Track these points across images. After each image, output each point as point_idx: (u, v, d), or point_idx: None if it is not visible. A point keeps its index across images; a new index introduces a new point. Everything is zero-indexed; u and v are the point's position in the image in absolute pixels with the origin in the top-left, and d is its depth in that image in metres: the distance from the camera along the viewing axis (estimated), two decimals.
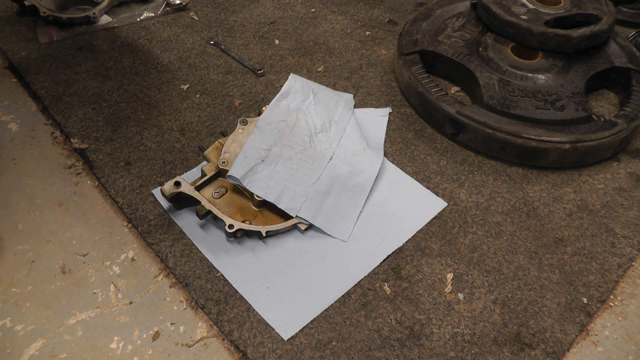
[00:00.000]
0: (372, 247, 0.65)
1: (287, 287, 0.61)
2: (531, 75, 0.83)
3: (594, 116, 0.78)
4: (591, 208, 0.72)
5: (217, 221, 0.65)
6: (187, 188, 0.64)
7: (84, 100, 0.82)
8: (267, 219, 0.65)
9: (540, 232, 0.69)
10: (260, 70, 0.91)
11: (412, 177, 0.74)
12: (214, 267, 0.62)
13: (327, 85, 0.87)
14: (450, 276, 0.63)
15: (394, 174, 0.75)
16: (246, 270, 0.62)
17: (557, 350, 0.57)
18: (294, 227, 0.65)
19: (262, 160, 0.66)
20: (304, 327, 0.57)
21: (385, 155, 0.77)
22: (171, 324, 0.58)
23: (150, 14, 1.03)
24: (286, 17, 1.06)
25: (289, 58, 0.95)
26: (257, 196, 0.64)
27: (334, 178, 0.69)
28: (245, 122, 0.71)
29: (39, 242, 0.64)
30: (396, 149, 0.79)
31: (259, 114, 0.75)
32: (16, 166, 0.73)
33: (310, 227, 0.66)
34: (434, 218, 0.69)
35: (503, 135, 0.74)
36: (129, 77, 0.88)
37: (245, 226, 0.63)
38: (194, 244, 0.64)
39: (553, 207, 0.72)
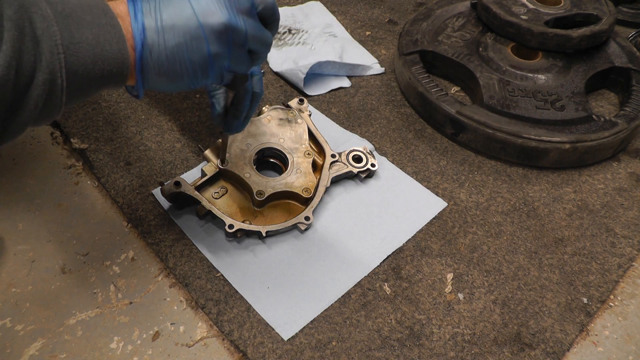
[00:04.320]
0: (372, 247, 0.65)
1: (287, 287, 0.61)
2: (531, 75, 0.83)
3: (594, 116, 0.78)
4: (591, 208, 0.72)
5: (217, 221, 0.65)
6: (187, 188, 0.64)
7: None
8: (267, 219, 0.66)
9: (540, 232, 0.69)
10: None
11: (412, 177, 0.74)
12: (214, 267, 0.62)
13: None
14: (450, 276, 0.63)
15: (394, 174, 0.75)
16: (246, 270, 0.62)
17: (557, 350, 0.57)
18: (294, 227, 0.65)
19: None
20: (304, 327, 0.57)
21: (385, 155, 0.77)
22: (171, 324, 0.58)
23: None
24: None
25: None
26: (257, 196, 0.65)
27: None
28: None
29: (39, 242, 0.64)
30: (396, 149, 0.79)
31: (259, 113, 0.75)
32: (16, 166, 0.73)
33: (310, 227, 0.66)
34: (434, 218, 0.69)
35: (503, 135, 0.74)
36: None
37: (245, 226, 0.63)
38: (194, 244, 0.64)
39: (553, 207, 0.72)
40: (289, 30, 0.98)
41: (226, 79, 0.46)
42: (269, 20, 0.46)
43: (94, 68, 0.38)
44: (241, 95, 0.55)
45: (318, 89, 0.87)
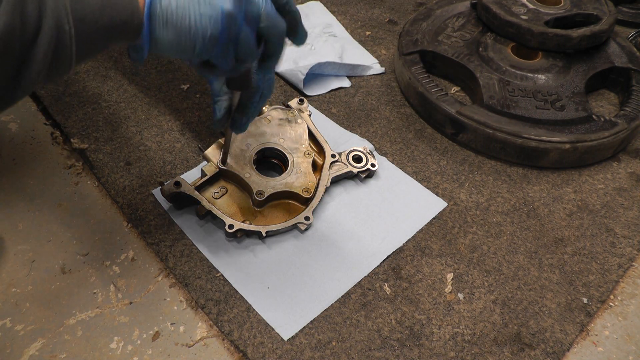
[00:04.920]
0: (372, 247, 0.65)
1: (287, 287, 0.61)
2: (531, 75, 0.83)
3: (594, 116, 0.78)
4: (591, 208, 0.72)
5: (217, 221, 0.65)
6: (187, 188, 0.64)
7: (84, 100, 0.82)
8: (267, 219, 0.66)
9: (540, 232, 0.69)
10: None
11: (412, 177, 0.74)
12: (214, 267, 0.62)
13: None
14: (450, 276, 0.63)
15: (394, 174, 0.75)
16: (246, 270, 0.62)
17: (557, 350, 0.57)
18: (294, 227, 0.65)
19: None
20: (304, 327, 0.57)
21: (385, 155, 0.77)
22: (171, 324, 0.58)
23: None
24: None
25: None
26: (257, 196, 0.65)
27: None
28: None
29: (39, 242, 0.64)
30: (396, 149, 0.79)
31: (259, 113, 0.75)
32: (16, 166, 0.73)
33: (310, 227, 0.66)
34: (434, 218, 0.69)
35: (503, 135, 0.74)
36: (129, 77, 0.88)
37: (245, 226, 0.63)
38: (194, 244, 0.64)
39: (553, 207, 0.72)
40: None
41: (230, 64, 0.44)
42: (284, 11, 0.46)
43: (102, 15, 0.37)
44: (251, 94, 0.56)
45: (318, 89, 0.87)
